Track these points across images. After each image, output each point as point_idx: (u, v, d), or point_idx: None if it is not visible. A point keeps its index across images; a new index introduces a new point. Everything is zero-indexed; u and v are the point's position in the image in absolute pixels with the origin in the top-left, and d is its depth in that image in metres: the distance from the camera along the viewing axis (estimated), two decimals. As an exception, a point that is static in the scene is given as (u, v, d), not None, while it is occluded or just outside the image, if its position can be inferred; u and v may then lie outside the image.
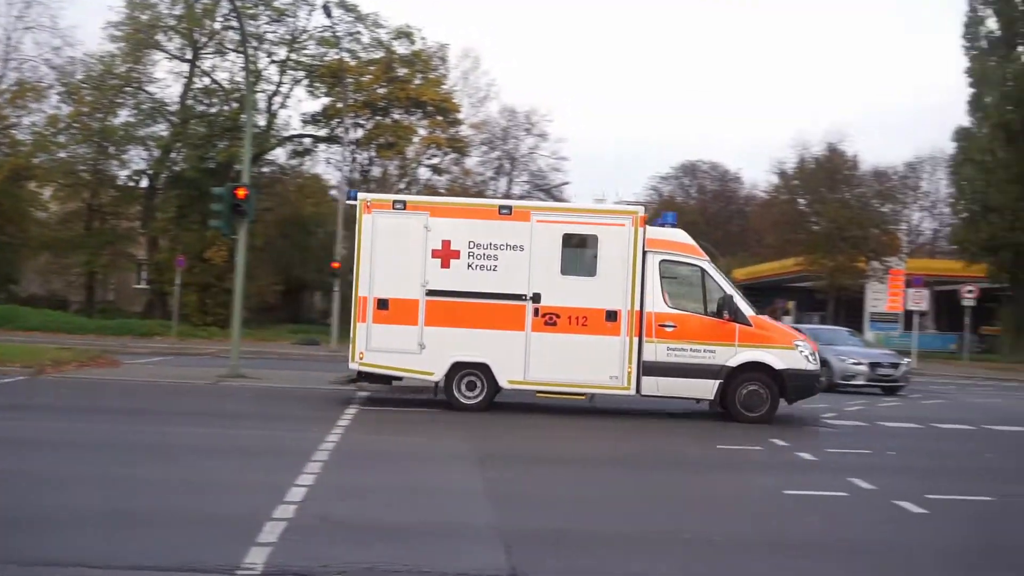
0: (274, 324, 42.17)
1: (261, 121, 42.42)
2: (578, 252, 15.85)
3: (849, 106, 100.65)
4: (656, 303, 15.75)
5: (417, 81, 45.63)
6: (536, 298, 15.67)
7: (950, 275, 48.83)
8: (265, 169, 44.83)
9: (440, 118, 47.66)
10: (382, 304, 15.66)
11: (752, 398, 15.94)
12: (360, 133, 46.52)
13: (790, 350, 16.08)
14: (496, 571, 6.81)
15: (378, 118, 46.02)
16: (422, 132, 48.24)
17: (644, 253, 15.75)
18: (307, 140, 46.14)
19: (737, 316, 15.94)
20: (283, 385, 19.16)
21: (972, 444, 14.83)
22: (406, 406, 16.37)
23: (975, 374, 33.52)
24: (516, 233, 15.73)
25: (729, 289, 16.19)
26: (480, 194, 67.20)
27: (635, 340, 15.61)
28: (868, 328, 50.58)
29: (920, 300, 36.57)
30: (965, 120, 44.40)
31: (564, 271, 15.73)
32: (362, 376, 16.14)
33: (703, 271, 16.14)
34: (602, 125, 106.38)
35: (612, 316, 15.65)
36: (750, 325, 16.01)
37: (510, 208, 16.02)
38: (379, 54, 44.59)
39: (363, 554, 7.03)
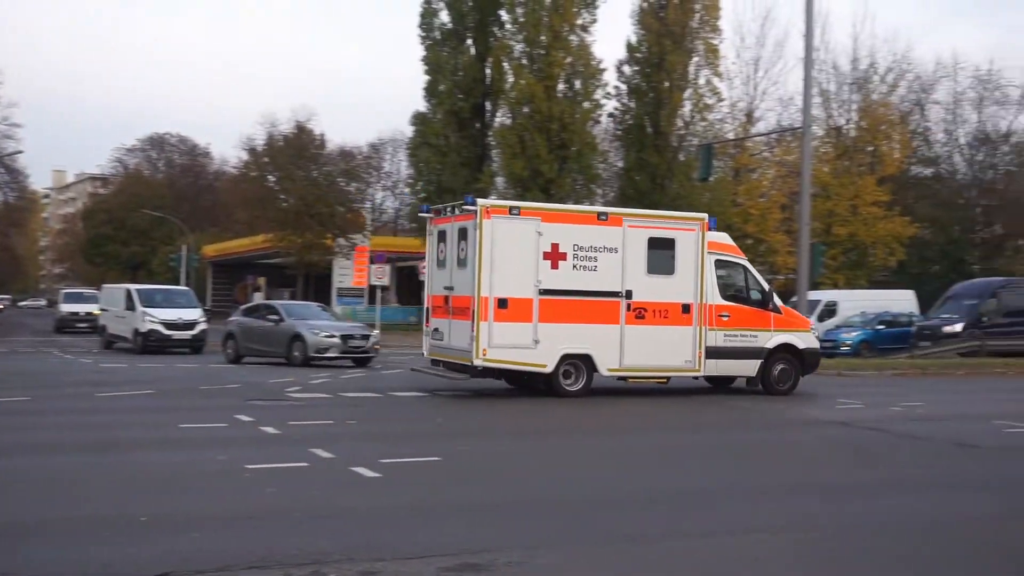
0: None
1: None
2: (660, 254, 18.12)
3: (318, 86, 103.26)
4: (714, 296, 18.61)
5: None
6: (628, 295, 17.86)
7: (410, 251, 52.04)
8: None
9: None
10: (502, 303, 16.96)
11: (783, 374, 19.29)
12: None
13: (807, 332, 19.79)
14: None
15: None
16: None
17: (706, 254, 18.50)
18: None
19: (774, 306, 19.24)
20: None
21: (425, 410, 15.98)
22: None
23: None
24: (611, 237, 17.74)
25: (765, 284, 19.37)
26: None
27: (702, 329, 18.39)
28: (336, 303, 52.32)
29: (383, 275, 38.60)
30: (423, 105, 47.47)
31: (650, 271, 18.03)
32: (484, 372, 17.20)
33: (745, 268, 19.27)
34: (61, 91, 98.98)
35: (686, 309, 18.32)
36: (780, 313, 19.40)
37: (607, 215, 18.10)
38: None
39: None
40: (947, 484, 10.43)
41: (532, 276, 17.21)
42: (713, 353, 18.61)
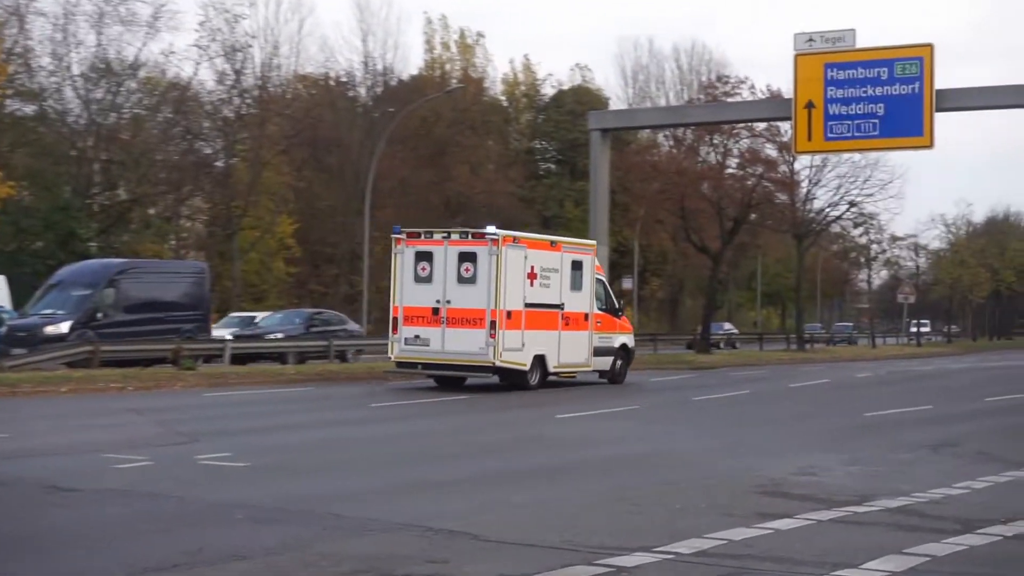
0: None
1: None
2: (576, 273, 32.56)
3: None
4: (594, 306, 33.37)
5: None
6: (562, 307, 32.01)
7: None
8: None
9: None
10: (509, 315, 30.23)
11: (622, 367, 35.03)
12: None
13: (631, 334, 36.54)
14: None
15: None
16: None
17: None
18: None
19: (619, 313, 35.56)
20: None
21: None
22: None
23: None
24: (556, 260, 31.91)
25: (614, 296, 35.94)
26: None
27: (592, 333, 33.25)
28: None
29: None
30: None
31: (572, 287, 32.29)
32: (498, 370, 30.58)
33: (605, 283, 35.30)
34: None
35: (587, 318, 32.96)
36: (620, 319, 35.56)
37: (556, 242, 33.48)
38: None
39: None
40: (34, 546, 10.68)
41: (521, 292, 30.44)
42: (596, 352, 33.52)
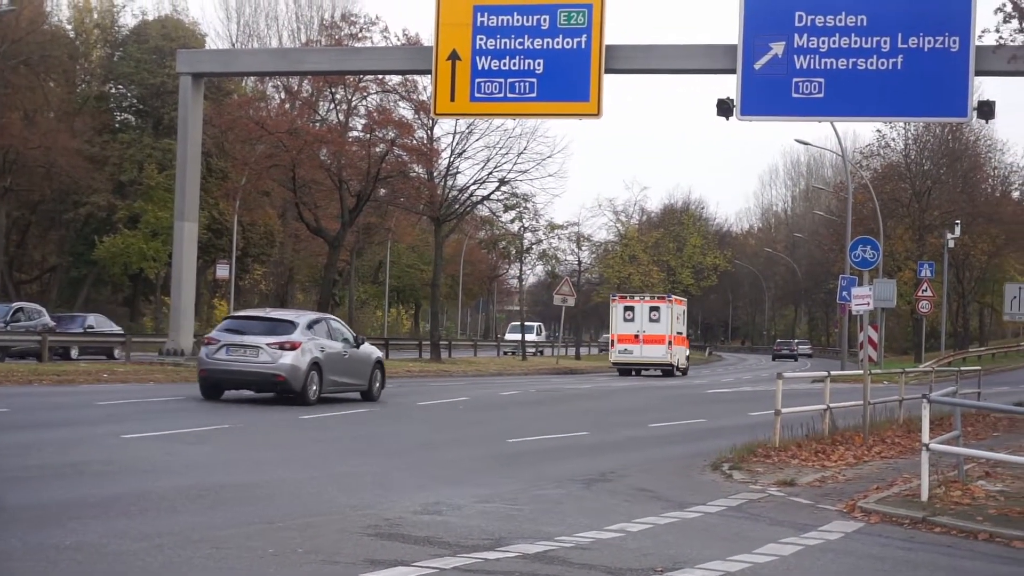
0: None
1: None
2: (679, 318, 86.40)
3: None
4: (685, 333, 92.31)
5: None
6: (682, 333, 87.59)
7: None
8: None
9: None
10: (673, 339, 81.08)
11: (687, 367, 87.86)
12: None
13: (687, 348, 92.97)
14: None
15: None
16: None
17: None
18: None
19: (685, 335, 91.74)
20: None
21: None
22: None
23: None
24: (680, 309, 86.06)
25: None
26: None
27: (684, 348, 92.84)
28: None
29: None
30: None
31: (681, 323, 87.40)
32: (669, 367, 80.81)
33: (683, 315, 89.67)
34: None
35: (683, 340, 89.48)
36: (683, 337, 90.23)
37: (679, 299, 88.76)
38: None
39: None
40: None
41: (675, 327, 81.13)
42: (684, 359, 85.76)
